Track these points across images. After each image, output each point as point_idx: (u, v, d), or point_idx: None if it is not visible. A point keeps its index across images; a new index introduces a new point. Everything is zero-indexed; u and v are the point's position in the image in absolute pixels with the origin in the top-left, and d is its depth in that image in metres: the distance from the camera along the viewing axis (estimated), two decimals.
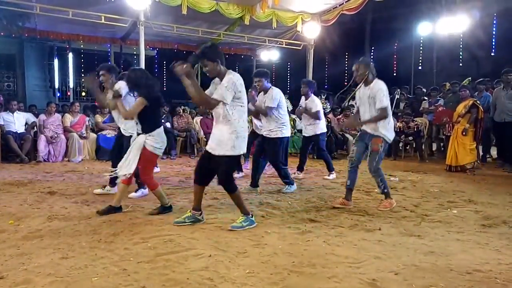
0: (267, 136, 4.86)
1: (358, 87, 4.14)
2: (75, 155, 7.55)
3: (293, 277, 2.36)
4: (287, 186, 4.92)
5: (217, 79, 3.27)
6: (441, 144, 8.65)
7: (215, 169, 3.29)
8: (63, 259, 2.56)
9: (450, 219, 3.70)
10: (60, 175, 5.89)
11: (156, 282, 2.25)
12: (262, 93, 4.98)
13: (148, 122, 3.68)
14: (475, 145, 6.69)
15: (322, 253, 2.76)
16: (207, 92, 3.27)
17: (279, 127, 4.81)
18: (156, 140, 3.65)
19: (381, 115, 3.93)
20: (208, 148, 3.32)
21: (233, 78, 3.15)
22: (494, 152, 8.13)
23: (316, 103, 5.78)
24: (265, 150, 4.94)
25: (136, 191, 4.41)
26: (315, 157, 8.13)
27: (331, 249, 2.85)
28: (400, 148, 8.58)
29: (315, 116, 5.74)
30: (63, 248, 2.76)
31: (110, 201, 3.77)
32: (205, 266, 2.49)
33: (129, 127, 4.19)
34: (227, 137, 3.18)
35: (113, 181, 4.45)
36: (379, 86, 3.93)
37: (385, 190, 4.10)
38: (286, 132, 4.88)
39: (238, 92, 3.17)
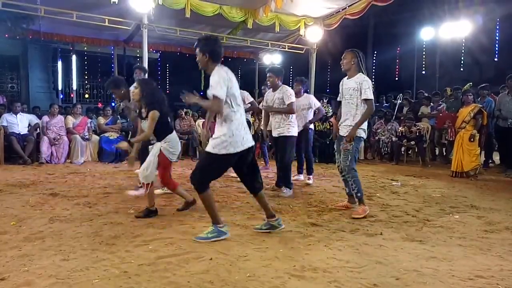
0: (277, 135, 4.93)
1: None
2: (78, 156, 7.58)
3: (294, 281, 2.35)
4: (285, 190, 4.87)
5: None
6: (444, 149, 8.63)
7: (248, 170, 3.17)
8: (65, 261, 2.57)
9: (452, 225, 3.68)
10: (62, 177, 5.90)
11: (157, 285, 2.25)
12: (271, 90, 5.05)
13: (159, 131, 3.75)
14: (479, 150, 6.67)
15: (323, 257, 2.75)
16: None
17: (287, 125, 4.86)
18: (171, 145, 3.75)
19: (369, 110, 3.80)
20: None
21: (221, 72, 2.96)
22: (496, 157, 8.11)
23: (316, 100, 5.83)
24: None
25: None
26: (316, 160, 8.14)
27: (332, 253, 2.84)
28: (402, 152, 8.57)
29: (319, 111, 5.75)
30: (65, 250, 2.76)
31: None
32: (206, 269, 2.49)
33: None
34: (215, 135, 3.04)
35: None
36: (364, 78, 3.83)
37: (358, 194, 3.93)
38: (293, 131, 4.92)
39: (229, 88, 2.96)
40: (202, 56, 3.02)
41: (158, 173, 3.79)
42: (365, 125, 3.97)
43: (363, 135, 3.99)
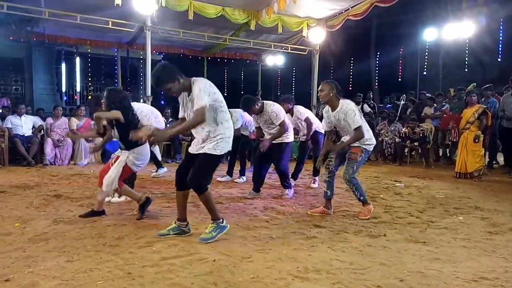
0: (273, 142, 4.84)
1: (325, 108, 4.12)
2: (81, 158, 7.60)
3: (297, 283, 2.35)
4: (287, 191, 4.92)
5: (183, 94, 3.11)
6: (447, 150, 8.59)
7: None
8: (69, 262, 2.58)
9: (456, 226, 3.67)
10: (66, 179, 5.93)
11: (161, 286, 2.26)
12: (257, 116, 4.91)
13: (128, 140, 3.63)
14: (483, 151, 6.63)
15: (327, 258, 2.75)
16: (179, 114, 3.23)
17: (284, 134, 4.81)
18: (138, 158, 3.72)
19: (357, 136, 3.82)
20: (190, 150, 3.21)
21: (202, 82, 3.02)
22: (500, 158, 8.06)
23: (301, 111, 5.63)
24: (267, 155, 4.93)
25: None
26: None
27: (335, 254, 2.84)
28: (406, 153, 8.54)
29: (308, 125, 5.55)
30: (69, 251, 2.78)
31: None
32: (210, 270, 2.49)
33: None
34: (211, 139, 3.06)
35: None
36: (348, 107, 3.84)
37: (361, 198, 3.96)
38: (290, 137, 4.92)
39: (212, 94, 3.03)
40: (174, 85, 3.00)
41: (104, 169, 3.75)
42: (372, 141, 4.01)
43: (371, 148, 4.04)
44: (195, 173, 3.05)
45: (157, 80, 3.03)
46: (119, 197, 4.44)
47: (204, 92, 2.96)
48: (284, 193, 4.93)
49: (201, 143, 3.11)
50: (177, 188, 3.22)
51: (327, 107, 4.06)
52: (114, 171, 3.63)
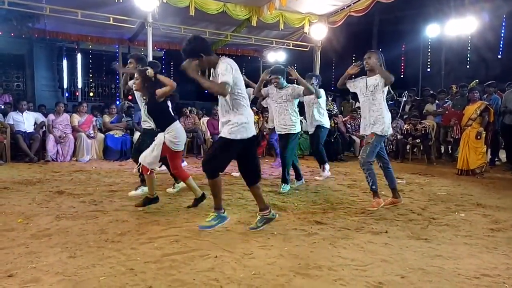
0: (281, 132, 5.05)
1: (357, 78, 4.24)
2: (83, 155, 7.61)
3: (298, 279, 2.36)
4: (283, 185, 5.00)
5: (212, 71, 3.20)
6: (449, 146, 8.57)
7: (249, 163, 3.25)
8: (71, 258, 2.59)
9: (457, 223, 3.67)
10: (68, 175, 5.94)
11: (163, 282, 2.27)
12: (277, 89, 5.07)
13: (160, 119, 3.85)
14: (485, 148, 6.62)
15: (328, 255, 2.75)
16: None
17: (292, 123, 4.96)
18: (174, 136, 3.80)
19: (388, 75, 3.93)
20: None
21: (229, 63, 3.04)
22: (502, 155, 8.05)
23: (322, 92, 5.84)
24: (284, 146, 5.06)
25: (136, 189, 4.55)
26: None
27: (337, 251, 2.84)
28: (408, 150, 8.53)
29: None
30: (71, 247, 2.79)
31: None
32: (211, 267, 2.50)
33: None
34: (230, 123, 3.11)
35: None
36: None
37: (373, 187, 4.08)
38: (298, 128, 5.04)
39: (235, 77, 3.05)
40: (200, 60, 3.06)
41: (170, 165, 3.98)
42: (387, 123, 4.05)
43: (385, 133, 4.06)
44: (208, 156, 3.18)
45: (183, 55, 3.08)
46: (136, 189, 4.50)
47: (229, 72, 3.00)
48: (280, 187, 5.01)
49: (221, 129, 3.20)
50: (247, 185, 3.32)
51: (358, 79, 4.22)
52: (151, 149, 3.73)
